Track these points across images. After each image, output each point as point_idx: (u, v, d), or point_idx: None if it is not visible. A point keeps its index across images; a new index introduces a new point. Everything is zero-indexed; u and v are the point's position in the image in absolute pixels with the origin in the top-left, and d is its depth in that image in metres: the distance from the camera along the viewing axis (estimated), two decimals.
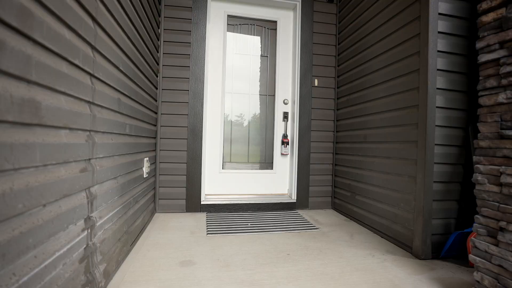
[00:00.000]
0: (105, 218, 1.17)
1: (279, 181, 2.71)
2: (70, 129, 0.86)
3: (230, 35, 2.62)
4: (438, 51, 1.52)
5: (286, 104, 2.70)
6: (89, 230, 1.00)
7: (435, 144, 1.54)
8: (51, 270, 0.75)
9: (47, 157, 0.73)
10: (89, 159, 1.01)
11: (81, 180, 0.93)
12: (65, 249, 0.82)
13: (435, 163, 1.54)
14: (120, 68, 1.32)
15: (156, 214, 2.29)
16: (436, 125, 1.54)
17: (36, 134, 0.68)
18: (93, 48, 1.01)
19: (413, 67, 1.63)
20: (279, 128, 2.70)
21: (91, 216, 1.03)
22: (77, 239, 0.91)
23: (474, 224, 1.10)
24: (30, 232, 0.66)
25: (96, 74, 1.04)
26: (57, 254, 0.78)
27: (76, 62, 0.88)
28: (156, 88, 2.29)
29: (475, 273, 1.08)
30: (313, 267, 1.41)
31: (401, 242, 1.70)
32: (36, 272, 0.68)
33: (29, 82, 0.65)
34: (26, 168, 0.65)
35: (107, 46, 1.14)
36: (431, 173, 1.52)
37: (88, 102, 0.99)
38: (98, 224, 1.09)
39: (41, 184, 0.70)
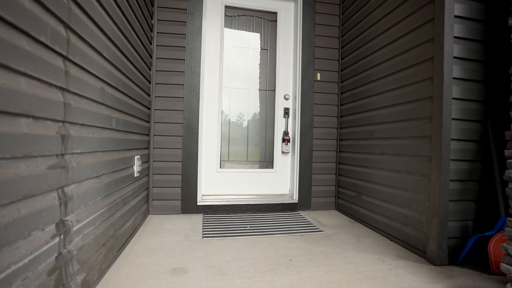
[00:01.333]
0: (85, 221, 1.03)
1: (280, 180, 2.57)
2: (35, 117, 0.73)
3: (228, 26, 2.48)
4: (455, 37, 1.39)
5: (287, 99, 2.56)
6: (62, 236, 0.87)
7: (451, 139, 1.41)
8: None
9: None
10: (62, 154, 0.87)
11: (50, 178, 0.80)
12: (26, 260, 0.69)
13: (451, 159, 1.41)
14: (104, 54, 1.19)
15: (149, 216, 2.15)
16: (452, 118, 1.40)
17: None
18: (66, 26, 0.88)
19: (427, 56, 1.49)
20: (279, 125, 2.56)
21: (65, 220, 0.89)
22: (45, 248, 0.78)
23: (507, 228, 0.97)
24: None
25: (71, 57, 0.90)
26: (13, 267, 0.64)
27: (42, 39, 0.75)
28: (149, 82, 2.15)
29: (508, 285, 0.95)
30: (319, 275, 1.27)
31: (412, 246, 1.57)
32: None
33: None
34: None
35: (86, 27, 1.01)
36: (448, 170, 1.39)
37: (61, 88, 0.86)
38: (74, 228, 0.95)
39: None
